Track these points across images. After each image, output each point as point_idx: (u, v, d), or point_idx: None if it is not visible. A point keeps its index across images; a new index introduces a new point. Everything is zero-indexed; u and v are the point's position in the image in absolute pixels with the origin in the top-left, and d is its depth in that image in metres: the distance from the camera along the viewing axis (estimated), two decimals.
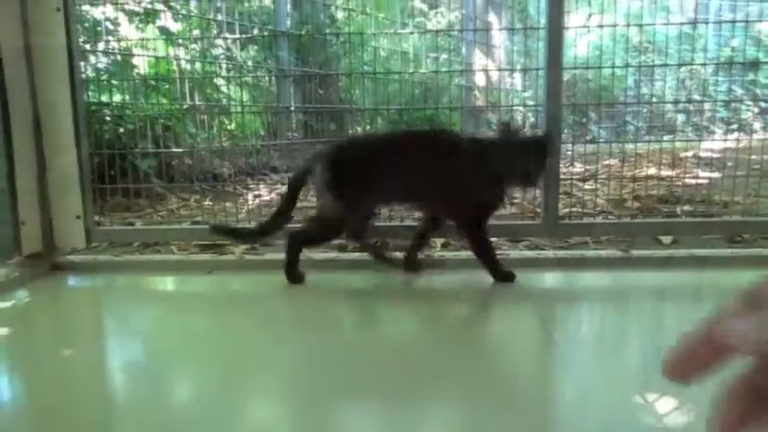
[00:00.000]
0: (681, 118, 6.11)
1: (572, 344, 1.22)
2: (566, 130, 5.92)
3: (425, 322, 1.37)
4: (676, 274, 1.64)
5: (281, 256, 1.76)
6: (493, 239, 1.87)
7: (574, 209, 2.25)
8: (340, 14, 4.25)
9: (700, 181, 3.07)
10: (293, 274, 1.56)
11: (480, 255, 1.54)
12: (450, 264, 1.69)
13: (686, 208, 2.26)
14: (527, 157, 1.46)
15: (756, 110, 6.23)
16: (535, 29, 1.82)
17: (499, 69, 5.03)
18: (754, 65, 6.28)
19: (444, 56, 5.43)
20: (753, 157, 3.78)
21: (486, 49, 4.96)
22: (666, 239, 1.84)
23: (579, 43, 6.71)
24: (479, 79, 4.87)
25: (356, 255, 1.74)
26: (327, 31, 3.95)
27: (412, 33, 4.77)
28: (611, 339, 1.29)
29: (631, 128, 5.81)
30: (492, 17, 5.00)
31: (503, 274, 1.52)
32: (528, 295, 1.50)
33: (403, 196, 1.61)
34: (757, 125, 6.25)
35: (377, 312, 1.46)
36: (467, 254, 1.76)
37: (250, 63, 3.59)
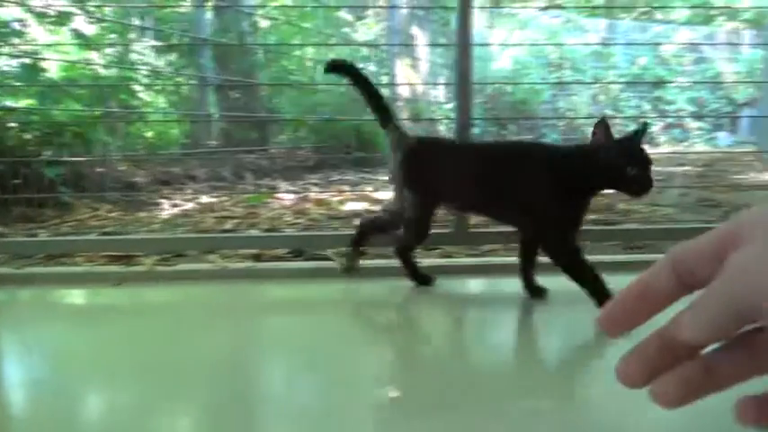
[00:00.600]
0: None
1: (485, 347, 1.27)
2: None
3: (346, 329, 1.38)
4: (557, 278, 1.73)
5: (195, 266, 1.74)
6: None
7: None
8: (264, 23, 4.24)
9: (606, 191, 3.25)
10: (419, 278, 1.55)
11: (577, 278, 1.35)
12: (369, 272, 1.71)
13: (590, 217, 2.40)
14: (632, 159, 1.26)
15: (662, 124, 6.67)
16: (445, 45, 1.88)
17: (409, 84, 5.12)
18: (660, 83, 6.73)
19: (371, 67, 5.50)
20: (657, 168, 4.02)
21: (411, 62, 5.06)
22: None
23: (502, 57, 7.00)
24: (404, 91, 4.97)
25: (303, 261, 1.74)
26: (250, 39, 3.92)
27: (327, 45, 4.80)
28: (518, 342, 1.35)
29: (548, 140, 6.10)
30: (415, 30, 5.11)
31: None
32: (443, 301, 1.56)
33: (481, 206, 1.51)
34: (663, 139, 6.70)
35: (301, 323, 1.46)
36: (384, 261, 1.80)
37: (169, 69, 3.51)
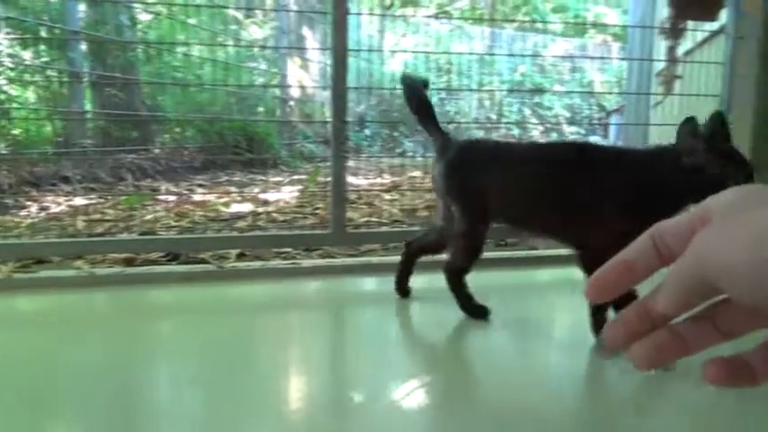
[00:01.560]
0: (480, 135, 6.76)
1: (360, 344, 1.31)
2: (379, 144, 6.23)
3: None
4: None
5: (59, 273, 1.65)
6: (287, 250, 1.94)
7: (370, 219, 2.41)
8: (144, 16, 4.06)
9: None
10: (472, 309, 1.38)
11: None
12: (245, 274, 1.71)
13: None
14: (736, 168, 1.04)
15: (542, 129, 7.12)
16: (321, 49, 1.91)
17: (299, 86, 5.12)
18: (539, 90, 7.19)
19: (260, 66, 5.42)
20: None
21: (303, 62, 5.06)
22: None
23: (393, 61, 7.14)
24: (294, 91, 4.95)
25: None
26: (129, 33, 3.74)
27: (211, 45, 4.69)
28: (391, 337, 1.40)
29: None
30: (306, 31, 5.11)
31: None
32: (322, 301, 1.59)
33: (537, 223, 1.32)
34: (543, 142, 7.16)
35: (184, 328, 1.42)
36: (261, 263, 1.80)
37: (37, 63, 3.27)
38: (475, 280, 1.79)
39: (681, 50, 2.92)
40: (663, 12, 2.39)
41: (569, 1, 7.38)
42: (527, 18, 7.48)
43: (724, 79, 2.04)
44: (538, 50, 6.42)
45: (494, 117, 6.62)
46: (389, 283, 1.76)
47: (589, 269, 1.17)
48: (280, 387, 1.07)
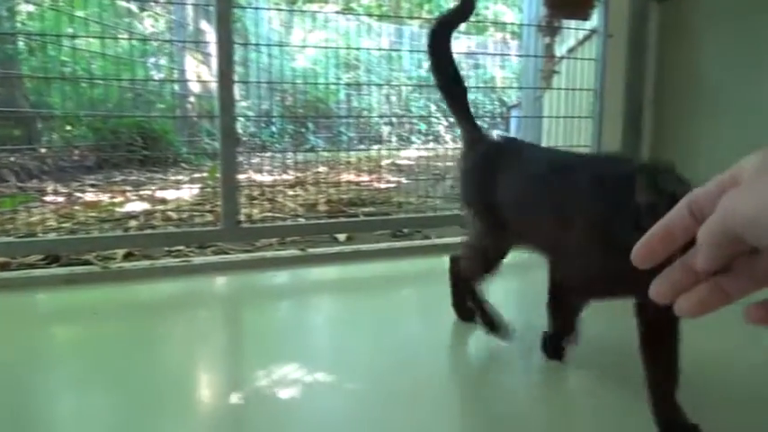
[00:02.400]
0: (387, 129, 6.88)
1: (254, 341, 1.31)
2: (286, 139, 6.17)
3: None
4: (347, 267, 1.86)
5: None
6: (180, 248, 1.90)
7: (269, 213, 2.40)
8: (27, 8, 3.80)
9: (389, 185, 3.49)
10: (459, 308, 1.29)
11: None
12: (133, 274, 1.65)
13: (368, 209, 2.57)
14: None
15: (446, 123, 7.32)
16: (205, 42, 1.88)
17: (198, 80, 4.98)
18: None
19: (156, 61, 5.21)
20: (438, 164, 4.42)
21: (203, 57, 4.92)
22: (342, 237, 2.06)
23: (299, 57, 7.08)
24: (195, 87, 4.81)
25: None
26: (7, 24, 3.49)
27: (100, 37, 4.46)
28: (289, 332, 1.41)
29: (345, 138, 6.35)
30: (204, 25, 4.97)
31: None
32: (214, 298, 1.57)
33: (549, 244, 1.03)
34: (448, 137, 7.37)
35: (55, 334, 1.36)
36: (149, 262, 1.75)
37: None
38: (369, 270, 1.84)
39: (565, 48, 3.11)
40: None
41: None
42: (430, 15, 7.64)
43: (597, 75, 2.19)
44: None
45: (400, 112, 6.72)
46: (284, 276, 1.78)
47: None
48: (176, 387, 1.05)
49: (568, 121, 2.73)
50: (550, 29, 2.16)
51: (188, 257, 1.79)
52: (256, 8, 2.70)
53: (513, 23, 7.49)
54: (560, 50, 3.17)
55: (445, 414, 0.97)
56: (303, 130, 6.01)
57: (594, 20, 2.20)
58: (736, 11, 1.90)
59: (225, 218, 1.72)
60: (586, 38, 2.73)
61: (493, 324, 1.17)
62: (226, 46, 1.66)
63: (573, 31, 2.87)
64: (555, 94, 3.34)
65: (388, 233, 2.18)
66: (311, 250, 1.88)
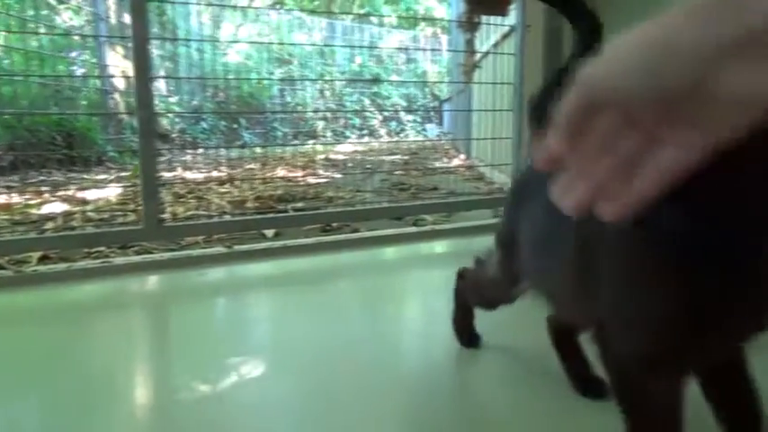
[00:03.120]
0: (321, 124, 6.85)
1: (183, 340, 1.29)
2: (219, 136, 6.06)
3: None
4: (276, 262, 1.85)
5: None
6: (100, 249, 1.85)
7: (196, 212, 2.36)
8: None
9: (321, 180, 3.49)
10: (461, 332, 1.13)
11: None
12: (49, 277, 1.60)
13: (298, 205, 2.56)
14: None
15: (381, 118, 7.38)
16: (123, 38, 1.83)
17: (123, 76, 4.81)
18: (376, 80, 7.44)
19: (77, 55, 5.00)
20: (370, 158, 4.44)
21: (125, 52, 4.74)
22: (270, 233, 2.06)
23: (231, 51, 6.96)
24: (120, 83, 4.64)
25: None
26: None
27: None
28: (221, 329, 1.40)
29: (279, 133, 6.28)
30: (127, 18, 4.81)
31: None
32: (138, 298, 1.54)
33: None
34: (383, 131, 7.42)
35: None
36: (66, 264, 1.69)
37: None
38: (299, 265, 1.84)
39: (490, 42, 3.19)
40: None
41: None
42: (362, 10, 7.68)
43: (516, 68, 2.26)
44: (374, 42, 6.61)
45: (334, 107, 6.72)
46: (211, 274, 1.75)
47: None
48: (104, 391, 1.02)
49: (496, 114, 2.81)
50: (470, 24, 2.22)
51: (109, 258, 1.74)
52: (173, 2, 2.59)
53: (442, 19, 7.63)
54: (485, 45, 3.26)
55: (387, 407, 0.96)
56: (235, 126, 5.92)
57: (513, 15, 2.27)
58: (647, 4, 2.01)
59: (146, 217, 1.68)
60: (509, 33, 2.82)
61: (461, 331, 1.11)
62: (142, 40, 1.62)
63: (497, 27, 2.96)
64: (483, 88, 3.43)
65: (317, 228, 2.18)
66: (238, 247, 1.87)
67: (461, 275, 1.08)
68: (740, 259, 0.49)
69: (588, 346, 0.92)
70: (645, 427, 0.60)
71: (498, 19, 2.25)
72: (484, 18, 2.34)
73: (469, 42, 2.25)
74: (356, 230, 2.20)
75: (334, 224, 2.22)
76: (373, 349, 1.18)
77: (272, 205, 2.58)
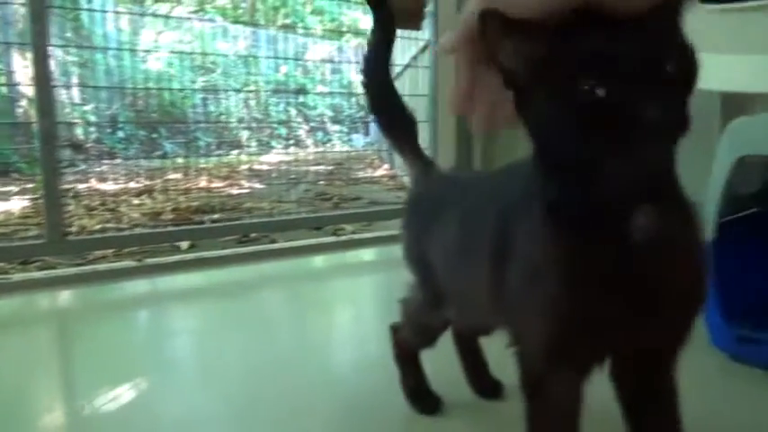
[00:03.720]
0: (246, 134, 6.75)
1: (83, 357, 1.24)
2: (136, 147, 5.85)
3: None
4: (188, 275, 1.82)
5: None
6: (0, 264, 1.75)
7: (108, 224, 2.28)
8: None
9: (242, 191, 3.45)
10: (415, 396, 0.95)
11: None
12: None
13: (216, 216, 2.53)
14: None
15: (307, 128, 7.36)
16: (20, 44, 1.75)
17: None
18: (302, 90, 7.42)
19: None
20: (293, 168, 4.42)
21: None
22: (184, 245, 2.02)
23: (151, 59, 6.75)
24: (29, 89, 4.39)
25: None
26: None
27: None
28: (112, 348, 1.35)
29: (202, 143, 6.14)
30: None
31: None
32: (40, 315, 1.47)
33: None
34: (309, 141, 7.40)
35: None
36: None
37: None
38: (214, 277, 1.82)
39: (408, 56, 3.26)
40: None
41: (327, 5, 7.69)
42: (287, 20, 7.64)
43: (431, 81, 2.33)
44: (299, 51, 6.60)
45: (259, 116, 6.63)
46: (119, 289, 1.70)
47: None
48: (7, 414, 0.97)
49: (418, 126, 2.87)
50: None
51: (8, 275, 1.65)
52: (76, 9, 2.51)
53: (367, 31, 7.66)
54: (403, 58, 3.33)
55: (317, 420, 0.95)
56: (155, 135, 5.74)
57: (427, 30, 2.34)
58: None
59: (49, 230, 1.61)
60: (425, 47, 2.89)
61: (416, 395, 0.95)
62: (41, 47, 1.56)
63: (416, 41, 3.03)
64: (405, 100, 3.48)
65: (234, 239, 2.16)
66: (149, 260, 1.82)
67: (394, 330, 0.96)
68: (613, 235, 0.49)
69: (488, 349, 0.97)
70: (543, 426, 0.61)
71: (414, 33, 2.30)
72: (402, 32, 2.39)
73: None
74: (274, 241, 2.19)
75: (252, 235, 2.20)
76: (295, 363, 1.17)
77: (188, 217, 2.52)
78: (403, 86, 3.34)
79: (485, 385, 0.98)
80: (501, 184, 0.68)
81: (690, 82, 0.44)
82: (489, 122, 0.51)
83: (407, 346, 0.94)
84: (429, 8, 2.21)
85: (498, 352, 0.86)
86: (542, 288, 0.53)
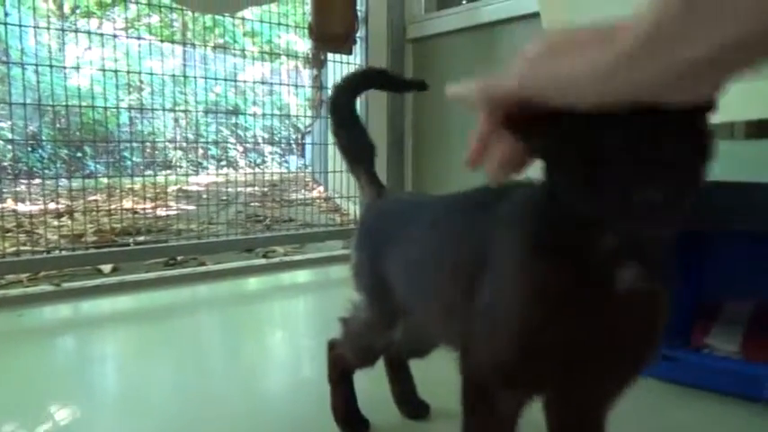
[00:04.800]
0: (177, 155, 6.60)
1: None
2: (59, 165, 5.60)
3: None
4: (110, 299, 1.75)
5: None
6: None
7: (24, 247, 2.16)
8: None
9: (171, 212, 3.36)
10: (346, 420, 0.94)
11: None
12: None
13: (141, 238, 2.45)
14: None
15: (241, 149, 7.28)
16: None
17: None
18: (236, 111, 7.36)
19: None
20: (229, 189, 4.35)
21: None
22: (107, 268, 1.94)
23: (75, 75, 6.51)
24: None
25: None
26: None
27: None
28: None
29: (129, 163, 5.95)
30: None
31: None
32: None
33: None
34: (242, 162, 7.32)
35: None
36: None
37: None
38: (138, 301, 1.76)
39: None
40: None
41: (261, 26, 7.70)
42: (220, 40, 7.56)
43: (362, 103, 2.37)
44: (232, 72, 6.54)
45: (191, 137, 6.50)
46: (33, 315, 1.61)
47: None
48: None
49: None
50: (316, 60, 2.29)
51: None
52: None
53: (303, 53, 7.71)
54: (335, 81, 3.36)
55: None
56: (80, 154, 5.52)
57: (358, 55, 2.38)
58: (474, 58, 2.20)
59: None
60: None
61: (345, 418, 0.94)
62: None
63: (348, 65, 3.07)
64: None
65: (160, 262, 2.10)
66: (67, 285, 1.75)
67: (332, 346, 0.95)
68: (595, 278, 0.51)
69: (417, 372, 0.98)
70: None
71: (345, 57, 2.34)
72: (333, 57, 2.43)
73: (316, 78, 2.32)
74: (203, 264, 2.14)
75: (179, 258, 2.15)
76: (225, 390, 1.16)
77: (112, 239, 2.43)
78: None
79: (413, 406, 1.00)
80: (471, 206, 0.69)
81: (698, 179, 0.44)
82: (500, 176, 0.50)
83: (344, 363, 0.93)
84: (359, 33, 2.26)
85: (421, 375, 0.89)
86: (517, 306, 0.55)
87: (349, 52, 2.23)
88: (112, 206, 3.48)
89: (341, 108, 0.97)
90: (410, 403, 1.01)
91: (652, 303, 0.54)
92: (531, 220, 0.55)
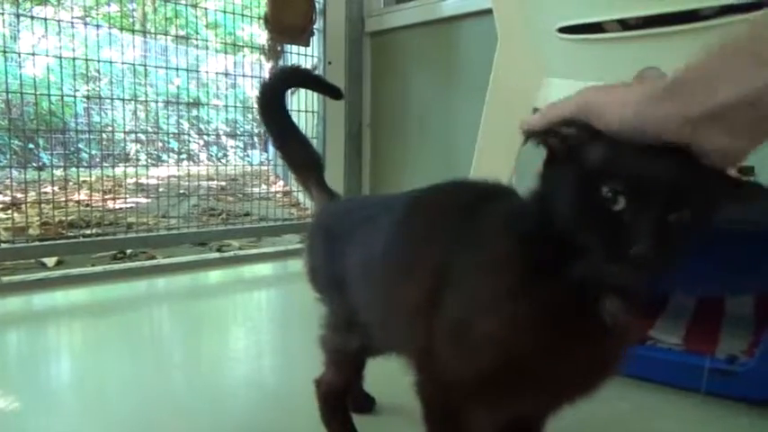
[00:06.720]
0: (135, 147, 6.43)
1: None
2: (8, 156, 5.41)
3: None
4: (54, 293, 1.69)
5: None
6: None
7: None
8: None
9: (125, 205, 3.28)
10: None
11: None
12: None
13: (90, 231, 2.37)
14: None
15: (201, 142, 7.15)
16: None
17: None
18: (197, 103, 7.21)
19: None
20: (185, 183, 4.27)
21: None
22: (51, 262, 1.88)
23: (30, 64, 6.29)
24: None
25: None
26: None
27: None
28: None
29: (84, 155, 5.78)
30: None
31: None
32: None
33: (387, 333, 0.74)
34: (203, 155, 7.19)
35: None
36: None
37: None
38: (82, 296, 1.71)
39: None
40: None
41: (223, 18, 7.57)
42: (181, 31, 7.40)
43: (319, 99, 2.34)
44: (193, 64, 6.41)
45: (150, 129, 6.35)
46: None
47: None
48: None
49: None
50: (274, 53, 2.26)
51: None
52: None
53: (263, 45, 7.58)
54: None
55: None
56: (32, 145, 5.32)
57: (316, 47, 2.35)
58: (432, 53, 2.20)
59: None
60: (316, 66, 2.91)
61: None
62: None
63: (307, 57, 3.04)
64: (294, 116, 3.47)
65: (108, 255, 2.04)
66: (7, 279, 1.68)
67: (318, 383, 0.89)
68: (577, 306, 0.51)
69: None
70: None
71: (303, 50, 2.31)
72: (291, 48, 2.39)
73: (272, 70, 2.28)
74: (153, 258, 2.09)
75: (129, 251, 2.09)
76: (179, 376, 1.13)
77: (60, 232, 2.35)
78: (292, 103, 3.33)
79: (361, 401, 1.00)
80: (436, 209, 0.67)
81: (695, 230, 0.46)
82: None
83: (333, 390, 0.87)
84: (317, 25, 2.24)
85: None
86: (498, 328, 0.53)
87: (306, 44, 2.20)
88: (63, 199, 3.38)
89: (269, 106, 0.96)
90: (358, 398, 1.00)
91: (627, 333, 0.54)
92: (515, 238, 0.54)
